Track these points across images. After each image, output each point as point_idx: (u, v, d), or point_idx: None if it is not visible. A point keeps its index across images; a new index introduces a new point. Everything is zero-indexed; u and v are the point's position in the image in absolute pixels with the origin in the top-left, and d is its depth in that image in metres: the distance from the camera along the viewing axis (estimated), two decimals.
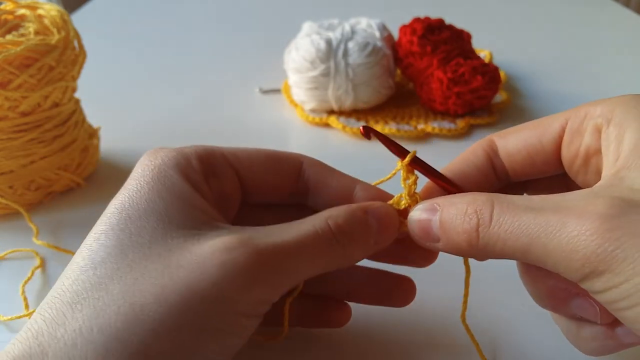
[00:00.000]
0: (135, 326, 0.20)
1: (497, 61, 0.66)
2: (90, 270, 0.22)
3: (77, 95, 0.46)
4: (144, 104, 0.61)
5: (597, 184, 0.23)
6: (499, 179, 0.28)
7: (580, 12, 0.87)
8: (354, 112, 0.56)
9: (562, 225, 0.20)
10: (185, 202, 0.24)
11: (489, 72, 0.52)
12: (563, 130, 0.26)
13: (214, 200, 0.26)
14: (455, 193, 0.26)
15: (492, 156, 0.28)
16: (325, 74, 0.52)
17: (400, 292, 0.30)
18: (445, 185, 0.27)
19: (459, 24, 0.58)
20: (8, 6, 0.44)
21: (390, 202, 0.28)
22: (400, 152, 0.27)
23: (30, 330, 0.21)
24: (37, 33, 0.41)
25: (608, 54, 0.72)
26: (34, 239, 0.40)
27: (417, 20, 0.55)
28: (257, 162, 0.28)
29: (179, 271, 0.21)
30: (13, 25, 0.42)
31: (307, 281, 0.28)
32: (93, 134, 0.48)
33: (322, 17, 0.60)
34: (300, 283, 0.28)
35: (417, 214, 0.25)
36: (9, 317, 0.33)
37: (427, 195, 0.28)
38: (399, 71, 0.58)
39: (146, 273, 0.21)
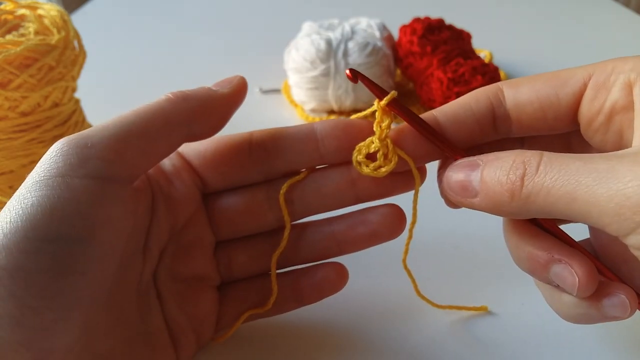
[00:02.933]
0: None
1: (497, 61, 0.66)
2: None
3: (77, 95, 0.46)
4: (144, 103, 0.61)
5: None
6: (497, 131, 0.27)
7: (580, 12, 0.87)
8: (354, 112, 0.56)
9: (613, 171, 0.18)
10: None
11: (489, 72, 0.52)
12: (585, 85, 0.24)
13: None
14: (438, 142, 0.25)
15: (495, 106, 0.26)
16: (325, 74, 0.52)
17: (388, 222, 0.29)
18: (426, 133, 0.26)
19: (459, 24, 0.58)
20: (8, 6, 0.44)
21: (362, 144, 0.27)
22: (381, 93, 0.26)
23: None
24: (37, 33, 0.41)
25: (608, 54, 0.72)
26: None
27: (417, 20, 0.55)
28: (210, 156, 0.29)
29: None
30: (13, 25, 0.42)
31: (296, 247, 0.29)
32: None
33: (322, 17, 0.60)
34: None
35: (456, 170, 0.24)
36: None
37: (400, 138, 0.26)
38: (399, 71, 0.58)
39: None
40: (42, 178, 0.22)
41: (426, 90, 0.54)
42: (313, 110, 0.56)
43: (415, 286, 0.31)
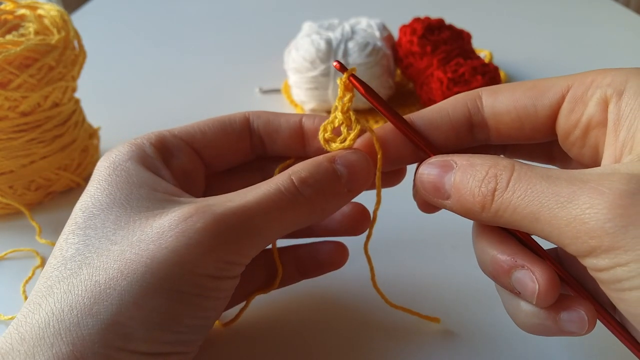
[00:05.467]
0: (103, 299, 0.21)
1: (497, 61, 0.66)
2: (62, 267, 0.23)
3: (77, 95, 0.46)
4: (144, 104, 0.61)
5: (622, 161, 0.21)
6: (474, 138, 0.27)
7: (580, 12, 0.87)
8: (353, 112, 0.56)
9: (574, 196, 0.19)
10: (145, 188, 0.25)
11: (489, 72, 0.52)
12: (563, 97, 0.24)
13: (177, 179, 0.27)
14: (399, 124, 0.26)
15: (472, 113, 0.26)
16: (325, 74, 0.52)
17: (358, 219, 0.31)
18: (389, 115, 0.26)
19: (459, 24, 0.58)
20: (8, 6, 0.44)
21: (326, 122, 0.27)
22: (343, 70, 0.26)
23: (12, 326, 0.22)
24: (37, 33, 0.41)
25: (608, 54, 0.72)
26: (37, 237, 0.40)
27: (417, 20, 0.55)
28: (207, 130, 0.29)
29: (141, 245, 0.22)
30: (13, 25, 0.42)
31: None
32: (93, 134, 0.48)
33: (322, 17, 0.60)
34: (276, 239, 0.28)
35: (430, 169, 0.24)
36: (10, 317, 0.33)
37: (383, 136, 0.27)
38: (399, 71, 0.58)
39: (110, 254, 0.22)
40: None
41: (426, 90, 0.54)
42: (313, 110, 0.56)
43: (373, 276, 0.30)
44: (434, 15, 0.57)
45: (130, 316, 0.21)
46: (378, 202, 0.28)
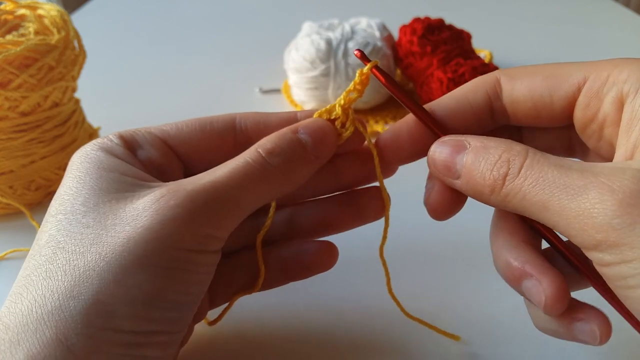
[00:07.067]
0: (83, 281, 0.21)
1: (497, 61, 0.66)
2: (37, 254, 0.23)
3: (77, 95, 0.46)
4: (144, 104, 0.61)
5: (635, 158, 0.21)
6: (495, 121, 0.27)
7: (580, 12, 0.87)
8: (352, 112, 0.56)
9: (584, 190, 0.19)
10: (115, 172, 0.25)
11: (489, 72, 0.52)
12: (579, 90, 0.24)
13: (147, 171, 0.27)
14: (422, 115, 0.26)
15: (493, 99, 0.26)
16: (325, 74, 0.52)
17: (373, 204, 0.29)
18: (410, 104, 0.26)
19: (459, 24, 0.58)
20: (8, 6, 0.44)
21: (323, 110, 0.27)
22: (364, 60, 0.26)
23: None
24: (37, 33, 0.41)
25: (608, 54, 0.72)
26: None
27: (417, 20, 0.55)
28: (185, 128, 0.29)
29: (116, 227, 0.22)
30: (13, 25, 0.42)
31: (283, 224, 0.29)
32: (93, 134, 0.48)
33: (322, 17, 0.60)
34: (251, 211, 0.27)
35: (442, 148, 0.24)
36: None
37: (406, 128, 0.27)
38: (399, 71, 0.58)
39: (84, 237, 0.22)
40: None
41: (426, 90, 0.54)
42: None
43: (389, 281, 0.29)
44: (434, 15, 0.57)
45: (111, 294, 0.21)
46: (387, 203, 0.28)
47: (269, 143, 0.25)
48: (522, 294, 0.24)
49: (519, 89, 0.25)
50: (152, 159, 0.27)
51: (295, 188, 0.27)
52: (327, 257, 0.30)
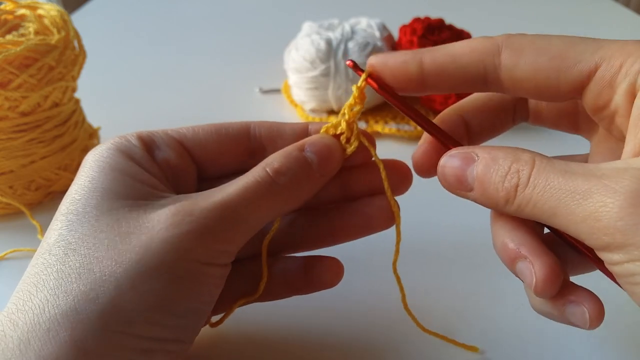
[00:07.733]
0: (99, 286, 0.21)
1: None
2: (47, 253, 0.23)
3: (77, 95, 0.46)
4: (144, 104, 0.61)
5: (634, 157, 0.21)
6: (488, 89, 0.26)
7: (580, 12, 0.87)
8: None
9: (589, 194, 0.20)
10: (129, 176, 0.25)
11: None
12: (589, 77, 0.23)
13: (162, 173, 0.27)
14: (423, 123, 0.26)
15: (488, 71, 0.25)
16: (325, 74, 0.52)
17: (382, 214, 0.29)
18: (408, 112, 0.26)
19: (459, 24, 0.58)
20: (8, 6, 0.44)
21: (329, 125, 0.28)
22: (357, 70, 0.26)
23: (2, 314, 0.22)
24: (37, 33, 0.41)
25: None
26: (39, 237, 0.40)
27: (417, 20, 0.55)
28: (200, 131, 0.29)
29: (131, 236, 0.23)
30: (13, 25, 0.42)
31: (288, 232, 0.29)
32: (93, 134, 0.48)
33: (322, 17, 0.60)
34: (261, 227, 0.27)
35: (452, 161, 0.25)
36: None
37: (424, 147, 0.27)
38: None
39: (98, 242, 0.23)
40: None
41: None
42: (313, 110, 0.56)
43: (404, 297, 0.29)
44: (434, 15, 0.57)
45: (128, 299, 0.21)
46: (397, 218, 0.28)
47: (276, 162, 0.26)
48: (516, 275, 0.24)
49: (522, 68, 0.24)
50: (169, 160, 0.28)
51: (302, 204, 0.27)
52: (331, 274, 0.30)
